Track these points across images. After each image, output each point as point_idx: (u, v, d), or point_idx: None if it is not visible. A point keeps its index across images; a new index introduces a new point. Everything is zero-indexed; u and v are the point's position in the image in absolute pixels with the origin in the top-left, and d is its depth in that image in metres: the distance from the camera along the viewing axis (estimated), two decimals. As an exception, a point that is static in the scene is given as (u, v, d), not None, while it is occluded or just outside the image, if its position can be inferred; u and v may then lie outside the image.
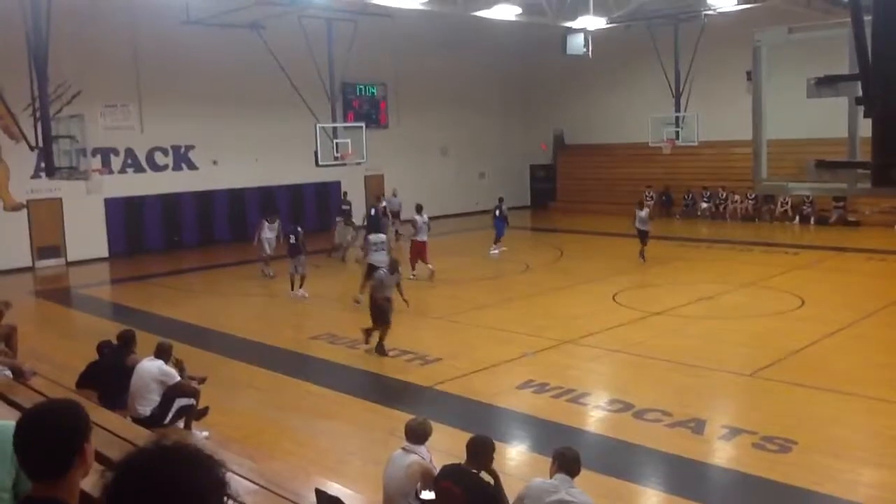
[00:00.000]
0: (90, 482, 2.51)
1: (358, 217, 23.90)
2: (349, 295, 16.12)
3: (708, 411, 9.59)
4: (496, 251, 21.90)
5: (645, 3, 23.94)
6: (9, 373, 8.01)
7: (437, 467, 5.83)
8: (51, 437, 2.29)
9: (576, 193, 33.74)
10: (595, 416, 9.69)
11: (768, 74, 3.98)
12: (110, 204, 23.57)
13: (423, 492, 5.78)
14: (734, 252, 21.89)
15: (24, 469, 2.36)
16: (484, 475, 5.61)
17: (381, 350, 12.23)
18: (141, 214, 24.71)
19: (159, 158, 24.95)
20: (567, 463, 5.28)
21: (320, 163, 21.59)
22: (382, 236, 16.62)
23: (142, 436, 6.04)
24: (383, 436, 8.60)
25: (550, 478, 5.29)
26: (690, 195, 30.16)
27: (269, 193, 27.21)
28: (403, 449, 5.99)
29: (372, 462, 7.53)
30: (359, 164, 23.48)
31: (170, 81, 23.88)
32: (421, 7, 20.41)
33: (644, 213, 20.42)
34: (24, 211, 22.11)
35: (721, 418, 9.41)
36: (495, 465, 5.74)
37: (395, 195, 26.28)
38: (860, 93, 3.36)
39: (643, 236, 20.20)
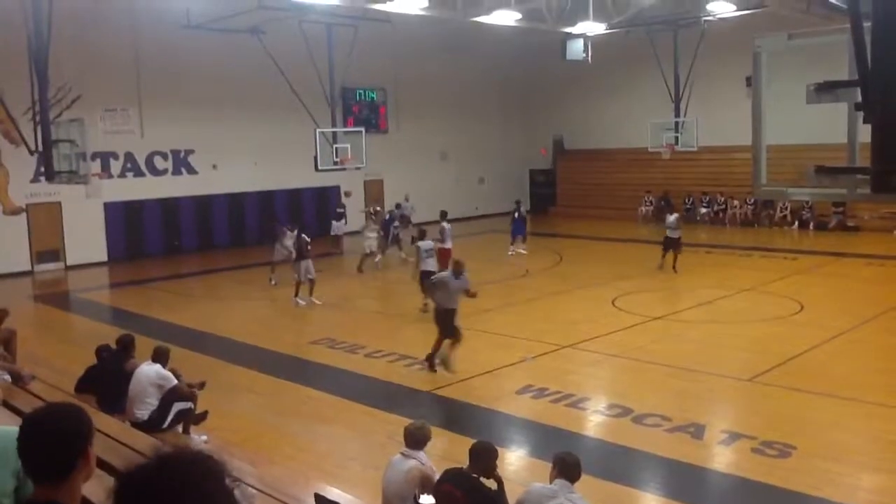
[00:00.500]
0: (91, 489, 2.52)
1: (354, 221, 23.95)
2: (349, 300, 16.12)
3: (707, 416, 9.59)
4: (513, 251, 22.48)
5: (644, 9, 23.98)
6: (8, 377, 8.01)
7: (436, 472, 5.83)
8: (54, 439, 2.30)
9: (575, 198, 33.76)
10: (594, 421, 9.68)
11: (768, 80, 4.00)
12: (110, 208, 23.58)
13: (421, 496, 5.77)
14: (733, 257, 21.92)
15: (27, 471, 2.37)
16: (485, 481, 5.62)
17: (443, 362, 11.32)
18: (140, 219, 24.71)
19: (159, 163, 24.97)
20: (567, 468, 5.28)
21: (320, 167, 21.61)
22: (431, 242, 16.15)
23: (141, 440, 6.04)
24: (383, 440, 8.59)
25: (550, 483, 5.29)
26: (691, 199, 30.20)
27: (268, 198, 27.26)
28: (402, 454, 5.99)
29: (371, 467, 7.52)
30: (358, 168, 23.48)
31: (170, 86, 23.91)
32: (421, 12, 20.44)
33: (673, 218, 19.48)
34: (24, 215, 22.17)
35: (720, 423, 9.40)
36: (497, 471, 5.75)
37: (406, 200, 26.39)
38: (860, 99, 3.37)
39: (674, 245, 19.00)
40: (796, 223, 27.30)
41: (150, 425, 8.02)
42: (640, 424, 9.23)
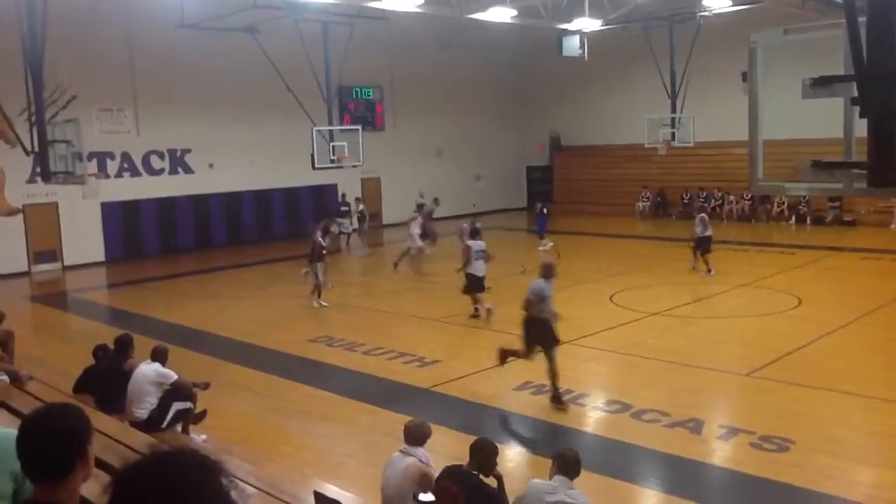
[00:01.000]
0: (89, 489, 2.52)
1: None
2: (344, 297, 16.10)
3: (706, 411, 9.60)
4: (545, 247, 22.65)
5: (640, 5, 23.99)
6: (6, 378, 8.00)
7: (435, 469, 5.83)
8: (53, 439, 2.30)
9: (572, 195, 33.76)
10: (593, 417, 9.70)
11: (764, 75, 4.00)
12: (106, 208, 23.55)
13: (420, 494, 5.78)
14: (730, 252, 21.90)
15: (26, 471, 2.37)
16: (485, 478, 5.62)
17: (556, 398, 9.78)
18: (137, 218, 24.68)
19: (155, 162, 24.92)
20: (567, 464, 5.29)
21: (317, 166, 21.59)
22: (482, 243, 14.71)
23: (140, 440, 6.02)
24: (381, 438, 8.59)
25: (550, 479, 5.29)
26: (689, 195, 30.23)
27: (265, 197, 27.25)
28: (401, 451, 5.99)
29: (370, 464, 7.52)
30: (355, 166, 23.48)
31: (165, 85, 23.88)
32: (417, 10, 20.42)
33: (704, 214, 19.20)
34: (21, 216, 22.11)
35: (719, 418, 9.42)
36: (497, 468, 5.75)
37: (421, 196, 26.41)
38: (856, 93, 3.37)
39: (707, 244, 18.21)
40: (793, 218, 27.34)
41: (149, 425, 8.01)
42: (638, 420, 9.24)
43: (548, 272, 10.40)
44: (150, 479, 1.68)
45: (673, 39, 25.65)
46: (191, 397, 8.53)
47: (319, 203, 28.24)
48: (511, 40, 29.35)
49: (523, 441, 9.16)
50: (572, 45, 24.27)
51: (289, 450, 8.81)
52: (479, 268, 14.39)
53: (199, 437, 8.54)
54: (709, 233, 18.24)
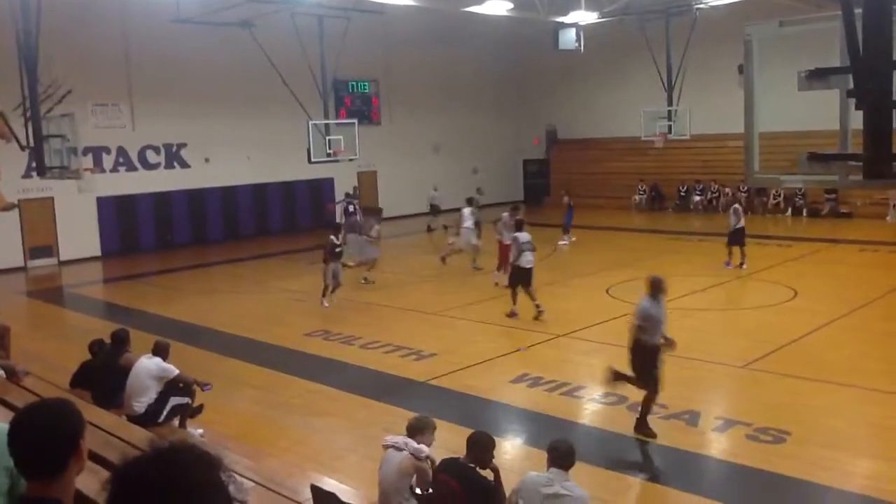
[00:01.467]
0: (87, 485, 2.52)
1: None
2: (341, 291, 16.08)
3: (702, 403, 9.62)
4: (566, 242, 22.64)
5: (636, -3, 23.97)
6: (2, 373, 7.98)
7: (435, 461, 5.83)
8: (46, 435, 2.29)
9: (569, 188, 33.70)
10: (590, 409, 9.72)
11: (759, 68, 4.00)
12: (102, 203, 23.51)
13: (417, 488, 5.78)
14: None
15: (19, 468, 2.35)
16: (482, 470, 5.63)
17: (643, 428, 8.46)
18: (133, 213, 24.63)
19: (151, 157, 24.87)
20: (561, 456, 5.30)
21: (313, 159, 21.56)
22: (527, 235, 14.04)
23: (137, 434, 6.03)
24: (379, 431, 8.59)
25: (546, 471, 5.31)
26: (685, 187, 30.25)
27: (261, 191, 27.22)
28: (395, 447, 5.97)
29: (368, 458, 7.53)
30: (351, 160, 23.47)
31: (161, 79, 23.80)
32: (413, 3, 20.37)
33: (738, 205, 18.78)
34: (16, 211, 22.05)
35: (715, 410, 9.45)
36: (494, 461, 5.76)
37: (435, 189, 26.26)
38: (851, 85, 3.37)
39: (741, 236, 17.65)
40: (789, 210, 27.39)
41: (146, 419, 8.01)
42: (635, 412, 9.22)
43: (655, 288, 8.77)
44: (149, 474, 1.67)
45: (669, 32, 25.66)
46: (190, 393, 8.53)
47: (316, 196, 28.22)
48: (507, 33, 29.30)
49: (520, 433, 9.17)
50: (568, 38, 24.26)
51: (286, 444, 8.82)
52: (526, 259, 13.70)
53: (195, 431, 8.54)
54: (741, 224, 17.73)
